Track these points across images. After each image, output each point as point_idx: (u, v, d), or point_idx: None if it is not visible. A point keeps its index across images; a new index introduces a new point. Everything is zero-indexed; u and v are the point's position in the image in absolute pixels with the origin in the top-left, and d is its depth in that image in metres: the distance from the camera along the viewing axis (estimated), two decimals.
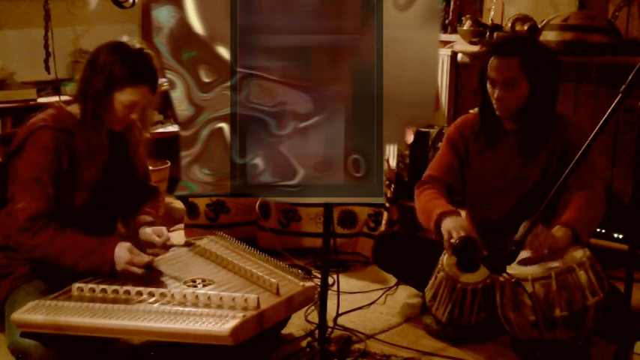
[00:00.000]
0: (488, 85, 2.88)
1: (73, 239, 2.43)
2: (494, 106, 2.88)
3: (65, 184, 2.49)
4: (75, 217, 2.51)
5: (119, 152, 2.65)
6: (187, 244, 2.83)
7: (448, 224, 2.78)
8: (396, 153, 4.17)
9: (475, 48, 4.04)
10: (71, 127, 2.52)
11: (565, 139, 2.86)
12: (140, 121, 2.64)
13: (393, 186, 3.95)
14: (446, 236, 2.76)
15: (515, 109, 2.86)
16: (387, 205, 3.75)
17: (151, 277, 2.51)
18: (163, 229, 2.66)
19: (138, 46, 2.52)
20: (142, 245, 2.64)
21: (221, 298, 2.31)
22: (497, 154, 2.97)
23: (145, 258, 2.47)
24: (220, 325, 2.18)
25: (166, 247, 2.65)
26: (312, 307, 2.97)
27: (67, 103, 2.62)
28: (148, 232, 2.65)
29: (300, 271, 2.63)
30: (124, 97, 2.48)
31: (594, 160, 2.90)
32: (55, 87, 4.15)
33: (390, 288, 3.37)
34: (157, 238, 2.62)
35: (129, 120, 2.56)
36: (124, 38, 2.55)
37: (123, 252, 2.43)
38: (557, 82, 2.92)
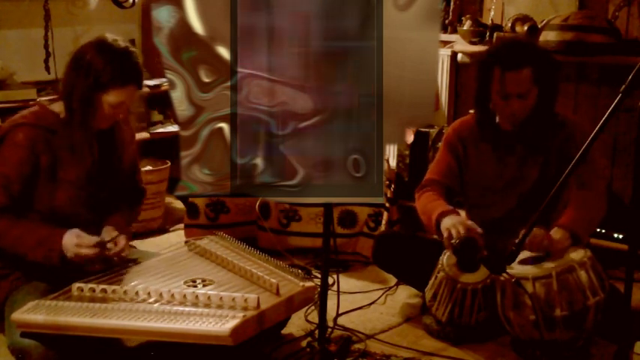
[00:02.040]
0: (497, 98, 2.83)
1: (26, 229, 2.44)
2: (506, 118, 2.87)
3: (45, 181, 2.48)
4: (59, 215, 2.50)
5: (107, 151, 2.64)
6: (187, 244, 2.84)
7: (447, 222, 2.78)
8: (396, 153, 4.17)
9: (475, 48, 4.04)
10: (53, 125, 2.51)
11: (564, 138, 2.85)
12: (126, 117, 2.64)
13: (393, 186, 3.95)
14: (445, 234, 2.76)
15: (525, 117, 2.85)
16: (387, 205, 3.75)
17: (150, 275, 2.52)
18: (121, 237, 2.56)
19: (123, 44, 2.50)
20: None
21: (221, 298, 2.31)
22: (496, 154, 2.97)
23: (93, 239, 2.44)
24: (220, 325, 2.18)
25: (120, 257, 2.57)
26: (312, 307, 2.97)
27: (51, 101, 2.61)
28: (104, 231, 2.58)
29: (300, 271, 2.63)
30: (111, 98, 2.47)
31: (595, 159, 2.90)
32: (55, 87, 4.15)
33: (390, 288, 3.38)
34: (112, 246, 2.52)
35: (115, 118, 2.56)
36: (108, 36, 2.52)
37: (70, 237, 2.42)
38: (558, 83, 2.91)
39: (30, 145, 2.45)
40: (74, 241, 2.41)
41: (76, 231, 2.44)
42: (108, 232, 2.56)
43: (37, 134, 2.47)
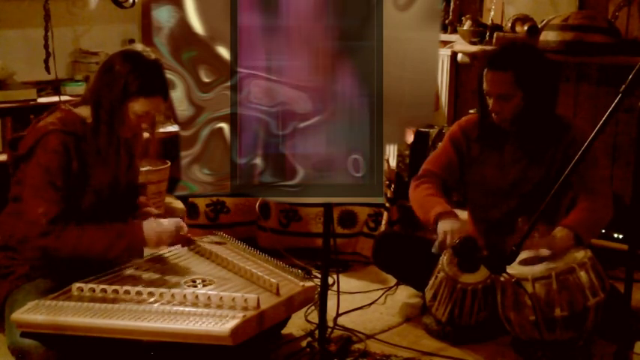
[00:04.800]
0: (485, 95, 2.87)
1: (98, 230, 2.46)
2: (493, 115, 2.88)
3: (74, 187, 2.49)
4: (81, 218, 2.51)
5: (127, 157, 2.66)
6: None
7: (445, 226, 2.78)
8: (396, 153, 4.17)
9: (475, 48, 4.04)
10: (80, 130, 2.51)
11: (567, 141, 2.85)
12: (150, 126, 2.65)
13: (393, 186, 3.95)
14: (441, 237, 2.77)
15: (510, 118, 2.85)
16: (387, 205, 3.75)
17: (153, 274, 2.53)
18: (181, 221, 2.67)
19: (153, 56, 2.49)
20: None
21: (221, 298, 2.31)
22: (499, 155, 2.97)
23: (174, 220, 2.55)
24: (220, 325, 2.18)
25: (189, 241, 2.71)
26: (312, 307, 2.97)
27: (75, 105, 2.61)
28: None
29: (300, 271, 2.63)
30: (137, 107, 2.47)
31: (600, 163, 2.91)
32: (55, 87, 4.16)
33: (390, 288, 3.37)
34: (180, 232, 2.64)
35: (139, 128, 2.57)
36: (139, 47, 2.54)
37: (150, 225, 2.49)
38: (556, 88, 2.89)
39: (64, 150, 2.46)
40: (156, 228, 2.49)
41: (153, 219, 2.52)
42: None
43: (68, 140, 2.47)
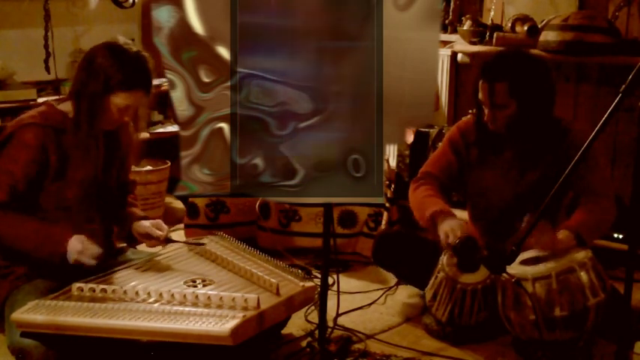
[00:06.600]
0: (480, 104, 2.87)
1: (29, 226, 2.44)
2: (488, 123, 2.88)
3: (54, 179, 2.49)
4: (67, 212, 2.51)
5: (112, 151, 2.66)
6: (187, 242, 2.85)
7: (445, 226, 2.78)
8: (396, 153, 4.17)
9: (475, 48, 4.04)
10: (61, 124, 2.52)
11: (567, 144, 2.84)
12: (133, 121, 2.65)
13: (393, 186, 3.95)
14: (443, 237, 2.77)
15: (505, 126, 2.84)
16: (387, 205, 3.75)
17: (150, 275, 2.52)
18: (161, 222, 2.68)
19: (134, 49, 2.51)
20: (137, 238, 2.67)
21: (221, 298, 2.31)
22: (499, 158, 2.96)
23: (96, 250, 2.44)
24: (220, 325, 2.18)
25: (167, 240, 2.67)
26: (312, 307, 2.97)
27: (59, 101, 2.62)
28: (146, 225, 2.66)
29: (300, 271, 2.63)
30: (118, 100, 2.48)
31: (600, 164, 2.90)
32: (55, 87, 4.16)
33: (390, 288, 3.38)
34: (159, 232, 2.63)
35: (121, 121, 2.57)
36: (121, 40, 2.54)
37: (75, 244, 2.42)
38: (551, 93, 2.87)
39: (39, 145, 2.46)
40: (78, 248, 2.42)
41: (81, 238, 2.44)
42: (158, 225, 2.65)
43: (45, 134, 2.48)
